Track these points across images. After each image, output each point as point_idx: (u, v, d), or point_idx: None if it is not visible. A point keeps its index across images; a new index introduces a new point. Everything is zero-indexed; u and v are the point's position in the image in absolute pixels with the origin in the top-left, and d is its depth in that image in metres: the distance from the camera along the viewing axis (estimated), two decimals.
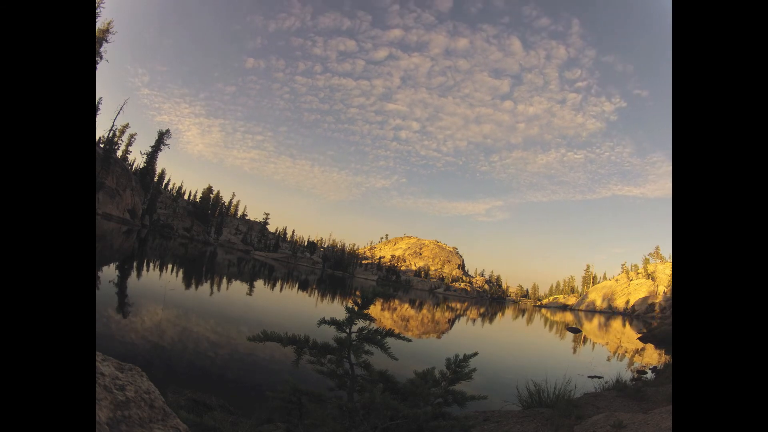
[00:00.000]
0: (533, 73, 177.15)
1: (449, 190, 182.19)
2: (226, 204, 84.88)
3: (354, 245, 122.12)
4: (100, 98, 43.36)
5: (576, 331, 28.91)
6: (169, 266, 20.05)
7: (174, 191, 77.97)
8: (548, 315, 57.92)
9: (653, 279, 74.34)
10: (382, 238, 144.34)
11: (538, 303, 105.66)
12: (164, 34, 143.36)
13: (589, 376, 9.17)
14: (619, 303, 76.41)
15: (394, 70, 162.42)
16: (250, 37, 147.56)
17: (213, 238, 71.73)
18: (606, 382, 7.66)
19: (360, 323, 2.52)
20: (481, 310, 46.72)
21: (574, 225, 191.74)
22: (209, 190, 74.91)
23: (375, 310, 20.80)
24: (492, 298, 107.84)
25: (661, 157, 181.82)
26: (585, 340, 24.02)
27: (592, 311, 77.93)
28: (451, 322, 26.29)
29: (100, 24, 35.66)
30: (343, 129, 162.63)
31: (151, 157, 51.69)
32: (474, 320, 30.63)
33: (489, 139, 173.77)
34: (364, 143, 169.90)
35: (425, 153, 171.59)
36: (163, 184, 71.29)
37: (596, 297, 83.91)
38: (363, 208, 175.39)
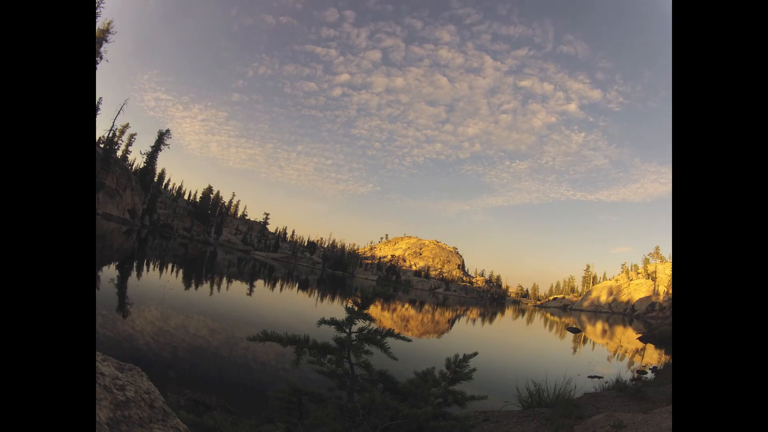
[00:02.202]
0: (463, 102, 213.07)
1: (418, 196, 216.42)
2: (226, 204, 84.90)
3: (354, 245, 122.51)
4: (100, 98, 43.37)
5: (576, 331, 28.91)
6: (169, 266, 20.05)
7: (174, 191, 77.93)
8: (548, 315, 57.92)
9: (653, 279, 74.33)
10: (382, 238, 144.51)
11: (538, 303, 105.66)
12: (166, 72, 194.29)
13: (589, 376, 9.17)
14: (620, 303, 76.42)
15: (350, 104, 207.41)
16: (233, 79, 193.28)
17: (213, 238, 71.73)
18: (606, 382, 7.66)
19: (360, 323, 2.52)
20: (481, 311, 46.71)
21: (556, 226, 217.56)
22: (209, 190, 74.94)
23: (375, 310, 20.80)
24: (492, 298, 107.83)
25: (606, 164, 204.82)
26: (585, 340, 24.02)
27: (592, 311, 77.91)
28: (451, 322, 26.29)
29: (100, 24, 35.67)
30: (319, 147, 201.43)
31: (151, 157, 51.66)
32: (474, 320, 30.63)
33: (441, 155, 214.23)
34: (338, 158, 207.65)
35: (391, 167, 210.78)
36: (163, 184, 71.22)
37: (596, 297, 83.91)
38: (351, 211, 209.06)
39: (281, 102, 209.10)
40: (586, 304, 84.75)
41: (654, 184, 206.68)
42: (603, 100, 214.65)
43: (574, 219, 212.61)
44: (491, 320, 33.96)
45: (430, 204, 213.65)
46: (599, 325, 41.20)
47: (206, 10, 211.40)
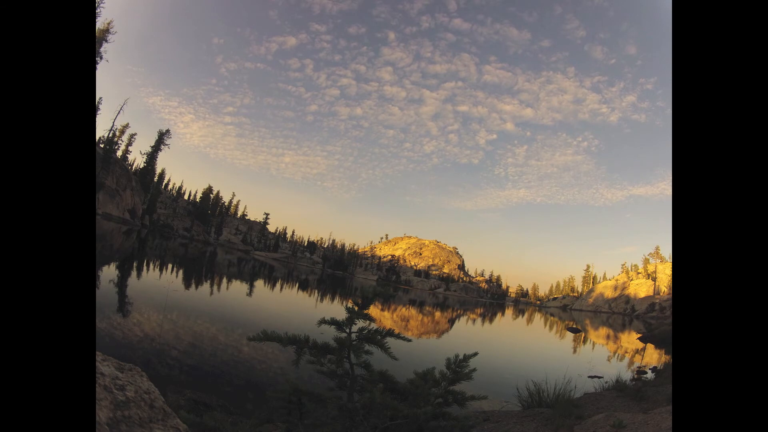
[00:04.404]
0: (414, 125, 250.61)
1: (395, 202, 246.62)
2: (226, 204, 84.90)
3: (354, 245, 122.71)
4: (100, 98, 43.35)
5: (576, 331, 28.92)
6: (169, 266, 20.05)
7: (174, 191, 77.93)
8: (548, 315, 57.93)
9: (653, 279, 74.34)
10: (382, 238, 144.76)
11: (538, 303, 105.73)
12: (169, 98, 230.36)
13: (589, 376, 9.17)
14: (620, 303, 76.44)
15: (321, 128, 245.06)
16: (224, 107, 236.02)
17: (213, 238, 71.75)
18: (606, 382, 7.66)
19: (360, 323, 2.52)
20: (481, 311, 46.72)
21: (544, 227, 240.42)
22: (209, 190, 74.88)
23: (375, 310, 20.80)
24: (492, 298, 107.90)
25: (555, 172, 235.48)
26: (585, 340, 24.02)
27: (592, 311, 77.94)
28: (451, 322, 26.30)
29: (100, 24, 35.68)
30: (302, 159, 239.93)
31: (151, 157, 51.68)
32: (474, 320, 30.63)
33: (408, 168, 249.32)
34: (320, 168, 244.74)
35: (366, 177, 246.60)
36: (163, 184, 71.24)
37: (596, 297, 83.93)
38: (342, 214, 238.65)
39: (265, 124, 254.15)
40: (586, 304, 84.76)
41: (611, 190, 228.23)
42: (535, 116, 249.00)
43: (548, 222, 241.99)
44: (491, 320, 33.96)
45: (405, 209, 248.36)
46: (599, 325, 41.20)
47: (197, 57, 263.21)
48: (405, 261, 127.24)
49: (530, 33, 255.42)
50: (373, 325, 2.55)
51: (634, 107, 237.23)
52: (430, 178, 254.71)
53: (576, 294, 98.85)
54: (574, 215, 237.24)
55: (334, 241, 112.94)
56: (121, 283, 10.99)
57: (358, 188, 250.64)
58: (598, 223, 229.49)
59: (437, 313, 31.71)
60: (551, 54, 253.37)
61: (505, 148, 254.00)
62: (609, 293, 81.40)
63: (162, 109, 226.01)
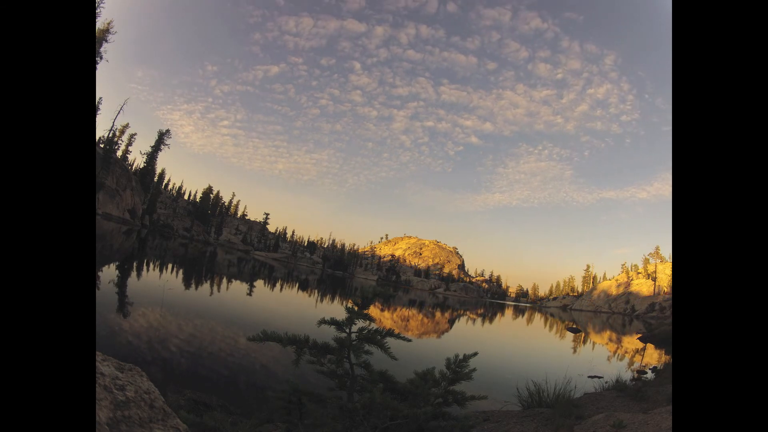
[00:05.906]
0: (389, 139, 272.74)
1: (380, 205, 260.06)
2: (226, 204, 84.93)
3: (354, 245, 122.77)
4: (100, 98, 43.34)
5: (576, 331, 28.91)
6: (169, 266, 20.05)
7: (174, 191, 77.95)
8: (548, 315, 57.93)
9: (653, 279, 74.33)
10: (382, 238, 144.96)
11: (538, 303, 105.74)
12: (172, 111, 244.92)
13: (589, 376, 9.17)
14: (620, 303, 76.44)
15: (308, 140, 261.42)
16: (220, 121, 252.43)
17: (213, 238, 71.74)
18: (606, 382, 7.65)
19: (360, 323, 2.52)
20: (481, 310, 46.72)
21: (544, 228, 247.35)
22: (209, 190, 74.87)
23: (375, 310, 20.80)
24: (492, 298, 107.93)
25: (524, 177, 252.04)
26: (585, 340, 24.02)
27: (592, 311, 77.93)
28: (451, 322, 26.29)
29: (100, 24, 35.68)
30: (294, 167, 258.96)
31: (151, 157, 51.68)
32: (474, 320, 30.63)
33: (389, 175, 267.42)
34: (310, 175, 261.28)
35: (352, 182, 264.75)
36: (163, 184, 71.26)
37: (596, 297, 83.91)
38: (336, 217, 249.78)
39: (257, 136, 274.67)
40: (586, 303, 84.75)
41: (580, 193, 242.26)
42: (495, 129, 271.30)
43: (530, 223, 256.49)
44: (491, 320, 33.96)
45: (395, 210, 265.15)
46: (599, 325, 41.20)
47: (194, 80, 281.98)
48: (405, 261, 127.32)
49: (476, 58, 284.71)
50: (373, 325, 2.55)
51: (587, 116, 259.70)
52: (409, 184, 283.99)
53: (576, 294, 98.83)
54: (553, 217, 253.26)
55: (334, 241, 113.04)
56: (121, 283, 10.99)
57: (346, 193, 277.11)
58: (580, 225, 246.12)
59: (437, 313, 31.71)
60: (498, 74, 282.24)
61: (472, 158, 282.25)
62: (609, 293, 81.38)
63: (164, 121, 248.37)
